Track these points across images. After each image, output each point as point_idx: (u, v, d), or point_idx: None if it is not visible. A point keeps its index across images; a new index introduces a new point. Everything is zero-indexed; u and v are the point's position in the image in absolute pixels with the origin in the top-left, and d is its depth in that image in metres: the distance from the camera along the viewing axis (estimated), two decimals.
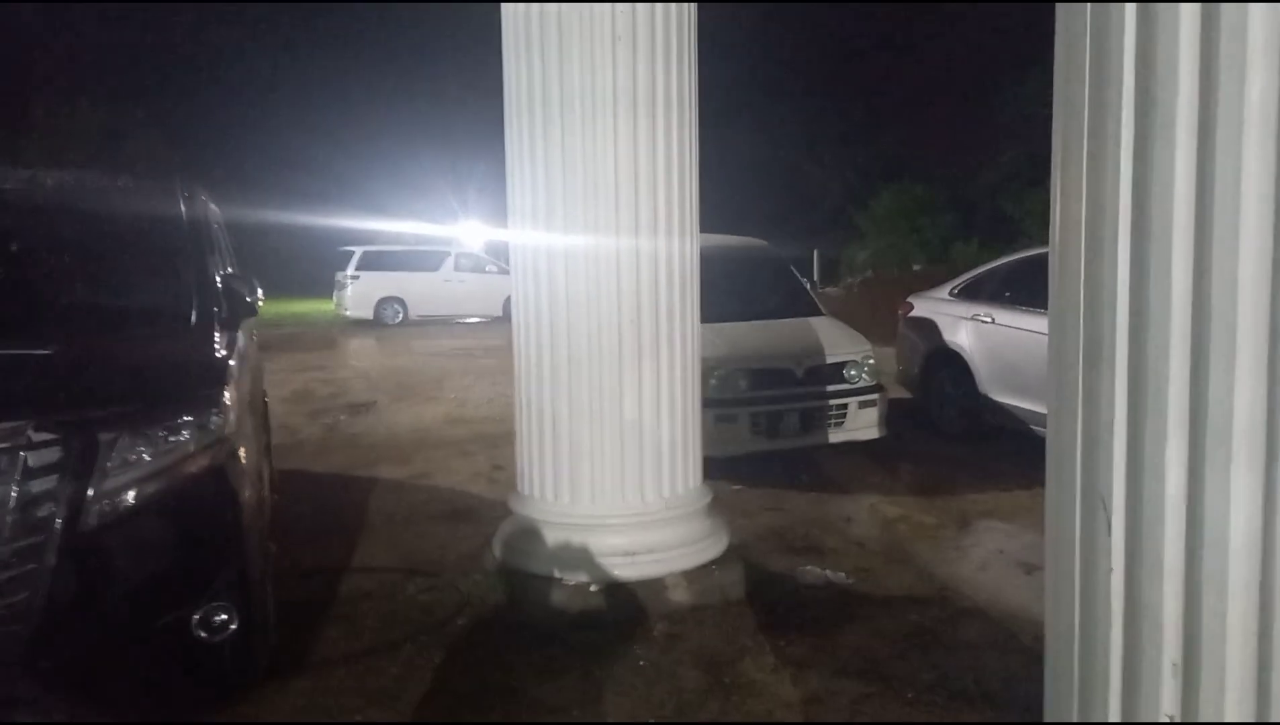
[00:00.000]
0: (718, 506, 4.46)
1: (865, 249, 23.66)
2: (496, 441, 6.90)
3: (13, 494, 2.37)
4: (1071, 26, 1.47)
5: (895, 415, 6.79)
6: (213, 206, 4.50)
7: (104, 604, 2.51)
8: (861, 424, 6.44)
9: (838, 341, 6.62)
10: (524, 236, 4.07)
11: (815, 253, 23.14)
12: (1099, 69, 1.38)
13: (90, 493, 2.49)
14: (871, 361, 6.52)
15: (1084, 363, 1.42)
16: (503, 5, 3.99)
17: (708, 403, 5.89)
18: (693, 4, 4.03)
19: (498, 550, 4.27)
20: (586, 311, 3.93)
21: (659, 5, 3.84)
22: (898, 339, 8.12)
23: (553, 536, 3.98)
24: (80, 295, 3.59)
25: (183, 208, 3.81)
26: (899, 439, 6.81)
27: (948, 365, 7.30)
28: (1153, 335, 1.30)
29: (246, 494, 2.99)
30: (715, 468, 5.60)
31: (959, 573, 4.43)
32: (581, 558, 3.90)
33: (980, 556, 4.69)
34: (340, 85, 42.74)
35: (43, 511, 2.41)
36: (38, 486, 2.42)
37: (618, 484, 3.96)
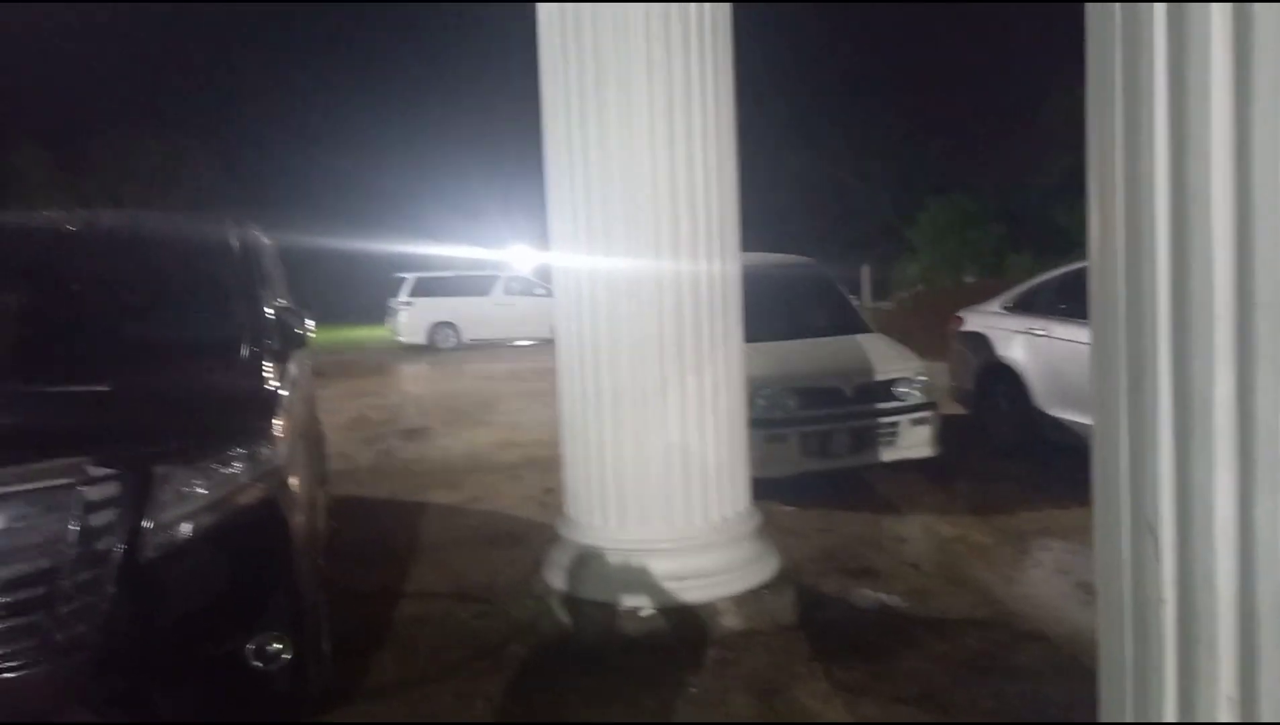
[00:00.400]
0: (767, 529, 4.41)
1: (916, 263, 23.38)
2: (547, 465, 6.93)
3: (72, 528, 2.44)
4: (1102, 30, 1.43)
5: (949, 432, 6.66)
6: (265, 239, 4.61)
7: (161, 635, 2.57)
8: (914, 442, 6.33)
9: (887, 358, 6.53)
10: (565, 260, 4.10)
11: (865, 268, 22.92)
12: (1131, 72, 1.35)
13: (147, 525, 2.56)
14: (923, 378, 6.41)
15: (1127, 383, 1.38)
16: (540, 28, 4.04)
17: (756, 423, 5.86)
18: (727, 20, 4.03)
19: (547, 575, 4.27)
20: (628, 334, 3.94)
21: (693, 20, 3.85)
22: (950, 354, 7.99)
23: (600, 561, 3.97)
24: (137, 332, 3.69)
25: (234, 243, 3.91)
26: (953, 456, 6.68)
27: (1002, 380, 7.15)
28: (1197, 354, 1.25)
29: (298, 523, 3.04)
30: (765, 489, 5.56)
31: (1018, 594, 4.32)
32: (629, 583, 3.89)
33: (1040, 577, 4.57)
34: (395, 116, 43.75)
35: (102, 545, 2.48)
36: (97, 520, 2.49)
37: (664, 508, 3.95)
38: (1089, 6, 1.47)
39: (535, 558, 4.70)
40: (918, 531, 5.37)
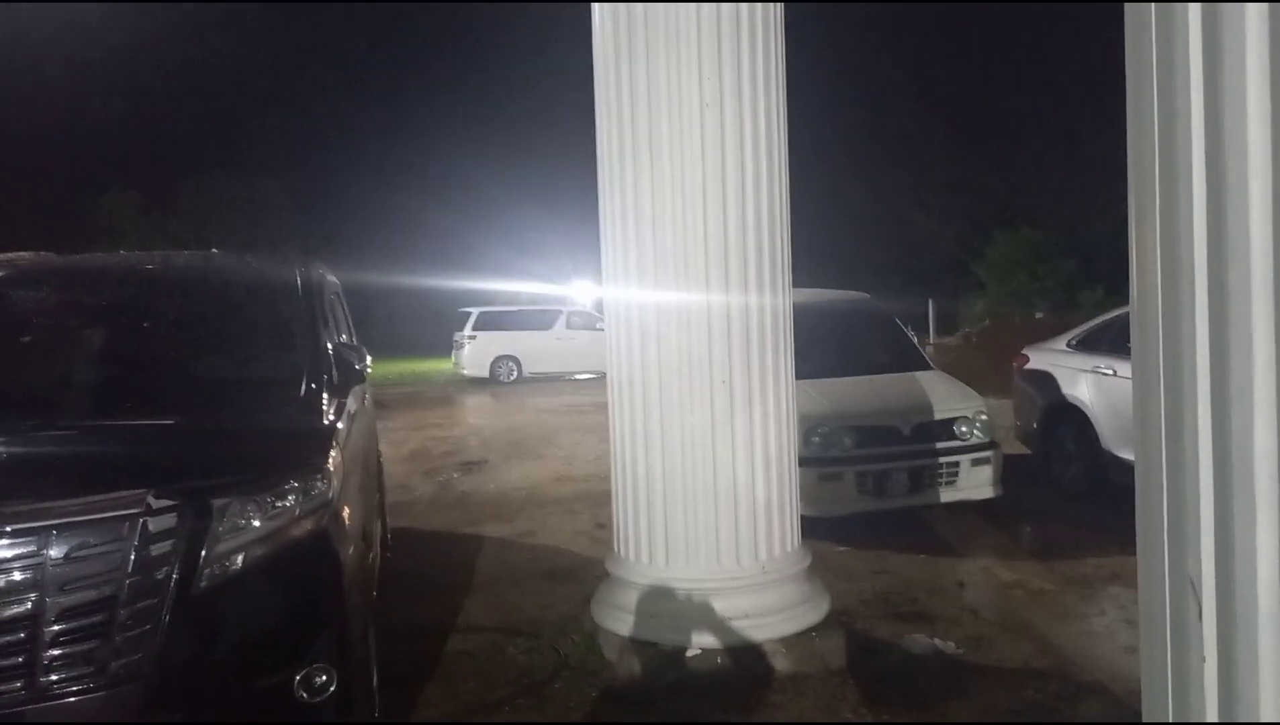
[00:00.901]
0: (819, 569, 4.35)
1: (982, 298, 22.96)
2: (601, 499, 6.94)
3: (132, 558, 2.53)
4: (1138, 33, 1.40)
5: (1012, 473, 6.49)
6: (330, 277, 4.75)
7: (212, 664, 2.64)
8: (975, 483, 6.18)
9: (947, 397, 6.41)
10: (617, 294, 4.14)
11: (930, 303, 22.59)
12: (1166, 75, 1.31)
13: (203, 556, 2.64)
14: (984, 417, 6.27)
15: (1166, 435, 1.34)
16: (595, 62, 4.12)
17: (811, 461, 5.82)
18: (780, 44, 4.06)
19: (595, 612, 4.27)
20: (677, 369, 3.95)
21: (745, 61, 3.89)
22: (1013, 393, 7.80)
23: (647, 600, 3.96)
24: (204, 367, 3.84)
25: (299, 282, 4.04)
26: (1016, 498, 6.49)
27: (1068, 420, 6.95)
28: (1236, 405, 1.21)
29: (349, 555, 3.10)
30: (820, 528, 5.49)
31: (1080, 644, 4.17)
32: (676, 623, 3.86)
33: (1103, 626, 4.40)
34: (462, 156, 44.96)
35: (159, 574, 2.56)
36: (155, 550, 2.57)
37: (712, 547, 3.92)
38: (1126, 7, 1.44)
39: (584, 593, 4.70)
40: (976, 575, 5.23)
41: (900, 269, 27.81)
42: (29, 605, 2.43)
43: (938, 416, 6.21)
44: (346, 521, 3.16)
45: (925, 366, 7.09)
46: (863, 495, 5.98)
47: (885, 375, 6.81)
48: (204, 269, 4.44)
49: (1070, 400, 6.91)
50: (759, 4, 3.92)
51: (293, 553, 2.83)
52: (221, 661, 2.65)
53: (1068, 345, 7.25)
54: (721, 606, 3.87)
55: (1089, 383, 6.74)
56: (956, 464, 6.15)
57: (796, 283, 4.36)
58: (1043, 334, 8.43)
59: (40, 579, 2.44)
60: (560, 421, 13.29)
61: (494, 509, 7.40)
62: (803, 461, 5.61)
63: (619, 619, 4.06)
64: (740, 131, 3.90)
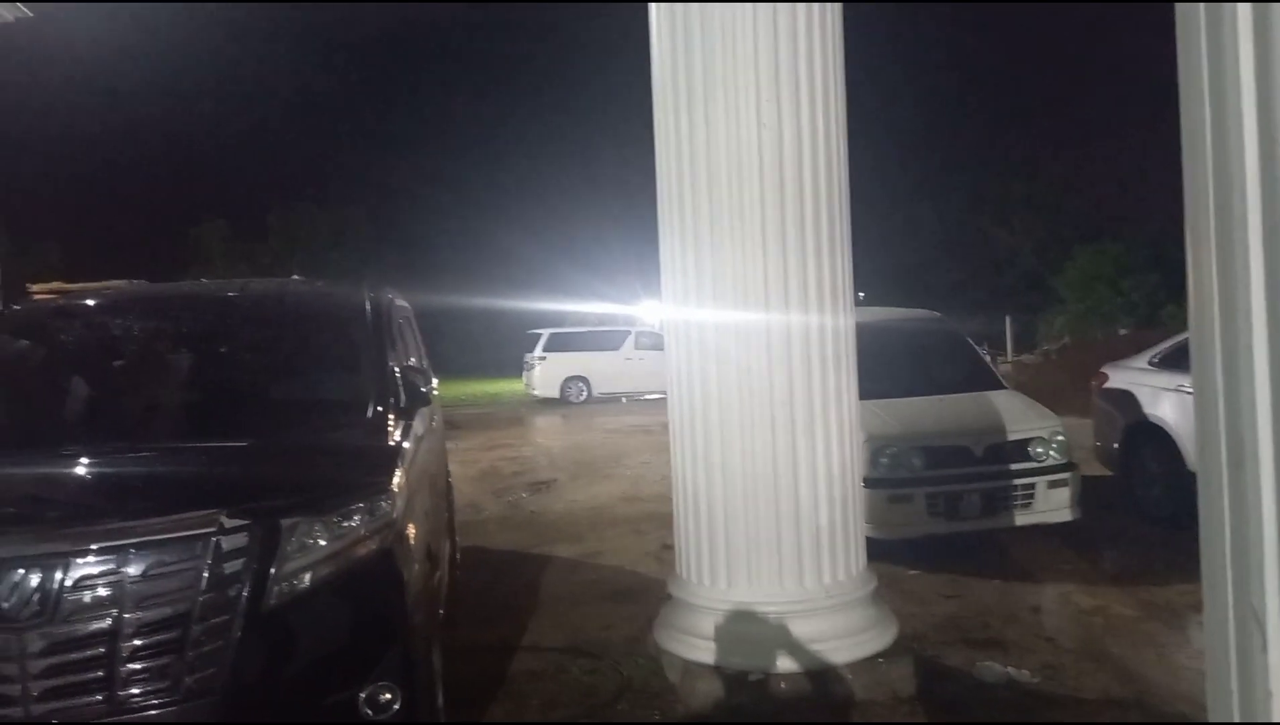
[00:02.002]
0: (888, 593, 4.26)
1: (1063, 315, 22.29)
2: (667, 520, 6.87)
3: (205, 576, 2.63)
4: (1189, 35, 1.36)
5: (1091, 495, 6.27)
6: (399, 302, 4.88)
7: (280, 682, 2.71)
8: (1051, 505, 5.99)
9: (1021, 417, 6.24)
10: (676, 315, 4.15)
11: (1007, 320, 22.04)
12: (1217, 81, 1.27)
13: (272, 574, 2.72)
14: (1060, 438, 6.08)
15: (1228, 462, 1.29)
16: (654, 87, 4.16)
17: (879, 482, 5.73)
18: (839, 62, 4.04)
19: (657, 634, 4.26)
20: (737, 390, 3.93)
21: (804, 81, 3.88)
22: (1093, 412, 7.55)
23: (709, 622, 3.93)
24: (277, 391, 3.98)
25: (368, 307, 4.15)
26: (1096, 521, 6.27)
27: (1150, 441, 6.69)
28: None
29: (413, 574, 3.16)
30: (888, 550, 5.39)
31: (1162, 674, 4.00)
32: (737, 646, 3.83)
33: (1187, 656, 4.21)
34: (533, 182, 45.83)
35: (231, 592, 2.65)
36: (228, 569, 2.67)
37: (774, 569, 3.88)
38: (1177, 8, 1.41)
39: (648, 614, 4.69)
40: (1053, 601, 5.06)
41: (976, 285, 27.21)
42: (109, 621, 2.54)
43: (1011, 437, 6.04)
44: (411, 541, 3.22)
45: (998, 386, 6.91)
46: (933, 517, 5.85)
47: (956, 395, 6.65)
48: (279, 296, 4.61)
49: (1152, 420, 6.65)
50: (815, 12, 3.90)
51: (358, 572, 2.90)
52: (290, 678, 2.72)
53: (1149, 363, 6.99)
54: (785, 630, 3.82)
55: (1172, 402, 6.49)
56: (1032, 486, 5.96)
57: (866, 303, 4.31)
58: (1125, 351, 8.13)
59: (120, 595, 2.55)
60: (628, 442, 13.33)
61: (562, 529, 7.46)
62: (871, 483, 5.54)
63: (680, 641, 4.04)
64: (799, 151, 3.89)
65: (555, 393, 21.47)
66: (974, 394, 6.65)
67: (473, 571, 5.99)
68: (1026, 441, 6.05)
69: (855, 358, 4.20)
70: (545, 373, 21.68)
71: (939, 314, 7.82)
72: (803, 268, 3.90)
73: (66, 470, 3.18)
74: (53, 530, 2.73)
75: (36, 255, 28.79)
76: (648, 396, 20.99)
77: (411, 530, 3.26)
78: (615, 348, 21.99)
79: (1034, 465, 6.01)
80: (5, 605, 2.50)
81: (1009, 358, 20.11)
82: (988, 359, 7.96)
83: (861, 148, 4.27)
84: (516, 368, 23.77)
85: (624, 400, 20.83)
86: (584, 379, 21.61)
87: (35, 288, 9.68)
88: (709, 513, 4.01)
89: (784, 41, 3.84)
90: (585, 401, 21.27)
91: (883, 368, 5.96)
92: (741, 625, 3.89)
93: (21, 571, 2.52)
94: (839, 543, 3.97)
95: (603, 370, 21.59)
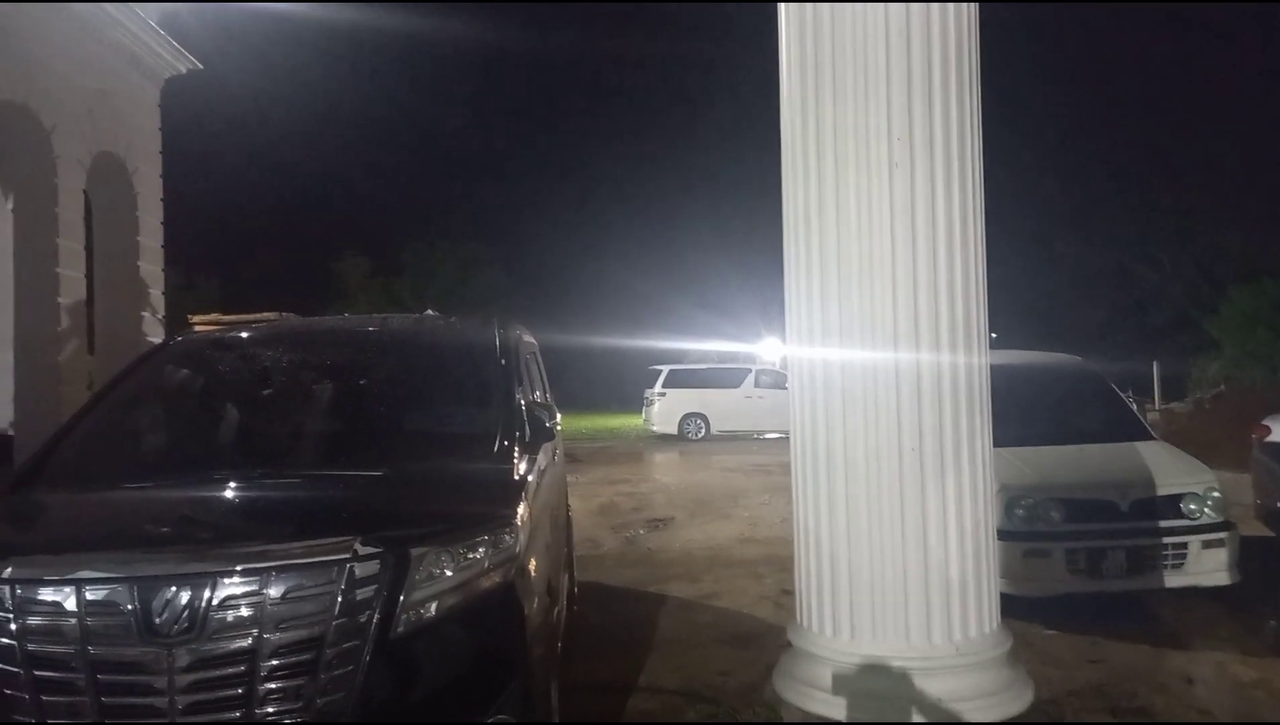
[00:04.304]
0: (1023, 653, 4.03)
1: (1217, 359, 20.82)
2: (787, 564, 6.73)
3: (339, 601, 2.72)
4: None
5: (1252, 557, 5.79)
6: (527, 338, 4.99)
7: (405, 709, 2.76)
8: (1206, 567, 5.55)
9: (1172, 470, 5.83)
10: (801, 353, 4.08)
11: (1155, 365, 20.75)
12: None
13: (400, 602, 2.79)
14: (1216, 494, 5.65)
15: None
16: (782, 125, 4.14)
17: (1014, 535, 5.45)
18: (976, 96, 3.93)
19: (776, 682, 4.15)
20: (864, 433, 3.82)
21: (938, 120, 3.78)
22: (1252, 467, 6.99)
23: (829, 674, 3.80)
24: (410, 423, 4.11)
25: (497, 343, 4.26)
26: (1257, 586, 5.77)
27: None
28: None
29: (533, 609, 3.19)
30: (1024, 608, 5.11)
31: None
32: (860, 702, 3.68)
33: None
34: (655, 221, 46.54)
35: (362, 618, 2.73)
36: (359, 595, 2.75)
37: (900, 622, 3.73)
38: None
39: (766, 661, 4.59)
40: (1208, 671, 4.66)
41: (1121, 327, 25.79)
42: (250, 640, 2.65)
43: (1161, 491, 5.65)
44: (533, 574, 3.26)
45: (1146, 436, 6.49)
46: (1073, 575, 5.51)
47: (1098, 444, 6.29)
48: (415, 331, 4.79)
49: None
50: (952, 54, 3.81)
51: (481, 604, 2.94)
52: (414, 706, 2.77)
53: None
54: (910, 687, 3.66)
55: None
56: (1184, 545, 5.55)
57: (1000, 344, 4.13)
58: None
59: (260, 616, 2.67)
60: (746, 481, 13.18)
61: (678, 568, 7.40)
62: (1004, 535, 5.27)
63: (800, 691, 3.92)
64: (931, 191, 3.79)
65: (673, 429, 21.51)
66: (1119, 444, 6.28)
67: (590, 607, 6.01)
68: (1178, 497, 5.65)
69: (990, 400, 4.02)
70: (664, 409, 21.76)
71: (1080, 358, 7.44)
72: (934, 310, 3.78)
73: (216, 494, 3.36)
74: (202, 550, 2.88)
75: (199, 289, 31.10)
76: (767, 435, 20.75)
77: (533, 564, 3.29)
78: (735, 385, 21.88)
79: (1186, 523, 5.60)
80: (157, 620, 2.64)
81: (1156, 406, 18.91)
82: (1134, 406, 7.50)
83: (991, 175, 4.10)
84: (636, 403, 23.97)
85: (753, 436, 20.65)
86: (702, 416, 21.57)
87: (195, 319, 10.42)
88: (832, 559, 3.90)
89: (917, 81, 3.77)
90: (703, 438, 21.20)
91: (1019, 413, 5.69)
92: (866, 679, 3.74)
93: (174, 589, 2.67)
94: (971, 597, 3.78)
95: (722, 408, 21.51)
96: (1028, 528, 5.53)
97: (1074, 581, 5.51)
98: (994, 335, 4.19)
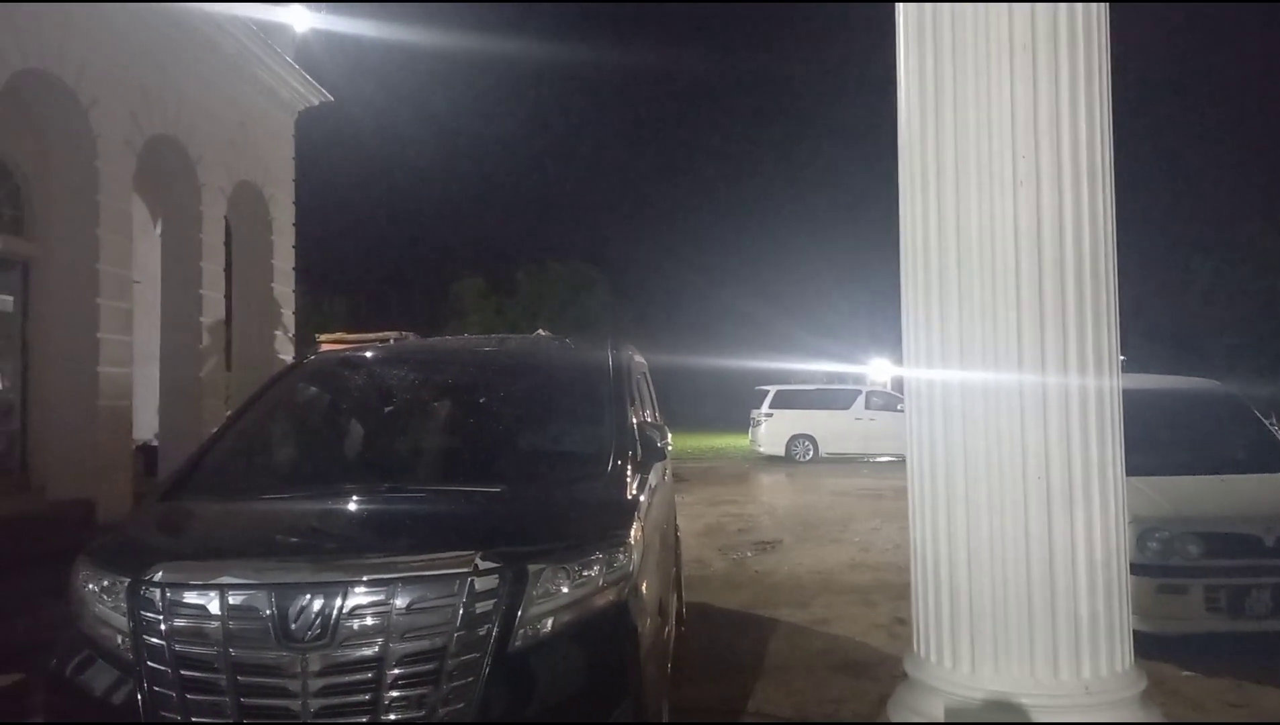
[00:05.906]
0: (1158, 695, 3.81)
1: None
2: (900, 592, 6.60)
3: (460, 613, 2.80)
4: None
5: None
6: (638, 358, 5.05)
7: (523, 721, 2.82)
8: None
9: None
10: (917, 375, 3.98)
11: None
12: None
13: (518, 616, 2.86)
14: None
15: None
16: (900, 142, 4.07)
17: (1147, 569, 5.17)
18: (1107, 108, 3.77)
19: (891, 713, 4.04)
20: (985, 457, 3.68)
21: (1066, 135, 3.64)
22: None
23: (947, 709, 3.67)
24: (526, 440, 4.22)
25: (610, 363, 4.33)
26: None
27: None
28: None
29: (646, 628, 3.21)
30: (1157, 646, 4.84)
31: None
32: None
33: None
34: (763, 240, 46.41)
35: (481, 630, 2.80)
36: (479, 608, 2.82)
37: (1025, 656, 3.57)
38: None
39: (880, 692, 4.48)
40: None
41: (1263, 349, 24.16)
42: (377, 648, 2.76)
43: None
44: (645, 594, 3.28)
45: None
46: (1213, 613, 5.18)
47: (1241, 475, 5.92)
48: (531, 352, 4.92)
49: None
50: (1080, 60, 3.67)
51: (595, 621, 2.98)
52: (529, 720, 2.82)
53: None
54: None
55: None
56: None
57: (1129, 368, 3.95)
58: None
59: (386, 626, 2.77)
60: (856, 505, 12.91)
61: (787, 592, 7.31)
62: (1136, 569, 4.98)
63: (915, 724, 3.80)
64: (1059, 211, 3.64)
65: (780, 451, 21.21)
66: (1263, 476, 5.89)
67: (698, 629, 5.99)
68: None
69: (1122, 426, 3.83)
70: (771, 430, 21.50)
71: (1219, 383, 7.02)
72: (1062, 336, 3.62)
73: (344, 506, 3.52)
74: (332, 560, 3.01)
75: (326, 309, 32.72)
76: (879, 458, 20.27)
77: (646, 583, 3.32)
78: (844, 407, 21.45)
79: None
80: (293, 626, 2.78)
81: None
82: (1278, 435, 7.01)
83: (1121, 190, 3.92)
84: (743, 423, 23.78)
85: (864, 459, 20.23)
86: (810, 438, 21.20)
87: (321, 337, 10.97)
88: (951, 589, 3.77)
89: (1044, 95, 3.65)
90: (811, 460, 20.85)
91: (1153, 441, 5.41)
92: (987, 715, 3.59)
93: (308, 596, 2.80)
94: (1102, 634, 3.59)
95: (831, 429, 21.11)
96: (1162, 562, 5.24)
97: (1213, 620, 5.19)
98: (1123, 357, 4.01)
